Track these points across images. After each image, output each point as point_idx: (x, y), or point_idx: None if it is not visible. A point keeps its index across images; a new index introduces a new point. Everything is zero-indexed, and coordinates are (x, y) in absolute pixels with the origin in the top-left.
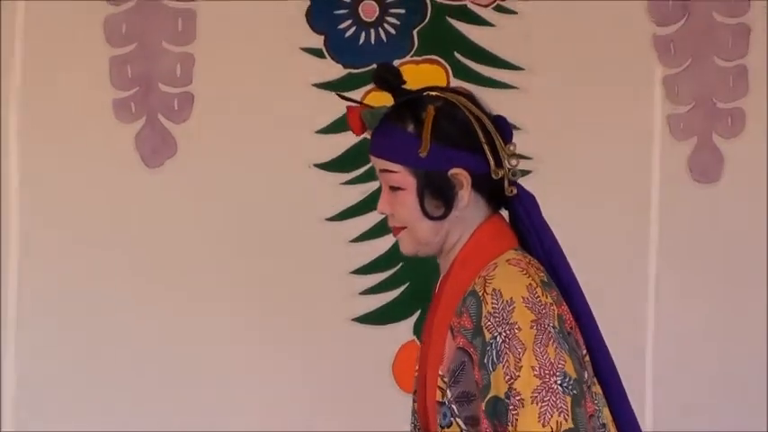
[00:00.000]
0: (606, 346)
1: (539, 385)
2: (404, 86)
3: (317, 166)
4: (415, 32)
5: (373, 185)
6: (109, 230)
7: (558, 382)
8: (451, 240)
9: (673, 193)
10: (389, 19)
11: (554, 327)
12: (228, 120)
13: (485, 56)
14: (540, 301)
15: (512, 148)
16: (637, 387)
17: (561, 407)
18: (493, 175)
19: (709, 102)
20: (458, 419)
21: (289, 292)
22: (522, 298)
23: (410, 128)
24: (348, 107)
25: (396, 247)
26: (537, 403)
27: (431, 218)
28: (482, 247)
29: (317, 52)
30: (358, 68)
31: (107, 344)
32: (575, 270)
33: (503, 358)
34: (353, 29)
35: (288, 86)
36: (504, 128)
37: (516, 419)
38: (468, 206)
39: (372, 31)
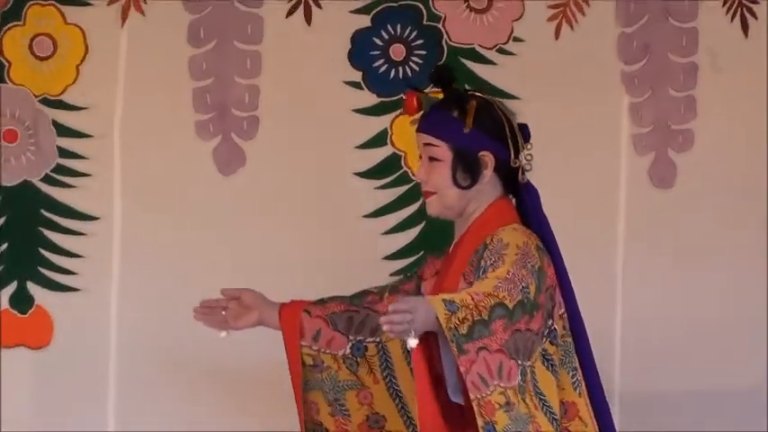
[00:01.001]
0: (587, 336)
1: (506, 278)
2: (454, 84)
3: (356, 174)
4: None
5: (400, 190)
6: (191, 230)
7: (520, 288)
8: (470, 209)
9: (636, 196)
10: (414, 58)
11: (533, 266)
12: (287, 137)
13: (488, 87)
14: (531, 251)
15: (528, 147)
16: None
17: (513, 295)
18: (511, 164)
19: (665, 124)
20: (526, 366)
21: (334, 275)
22: (517, 245)
23: (455, 114)
24: (408, 92)
25: (419, 236)
26: (500, 283)
27: (459, 187)
28: (497, 216)
29: (356, 85)
30: (389, 98)
31: (196, 344)
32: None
33: (488, 268)
34: (385, 66)
35: (333, 112)
36: (525, 131)
37: (482, 280)
38: (488, 184)
39: (401, 68)
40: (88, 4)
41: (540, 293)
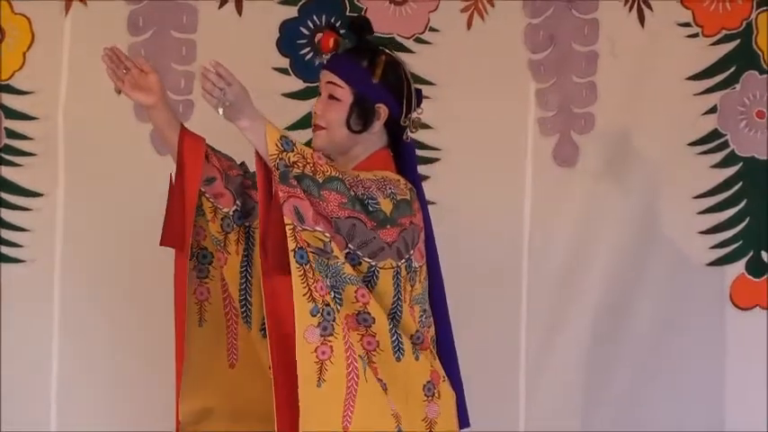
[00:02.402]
0: (444, 291)
1: (356, 178)
2: (368, 36)
3: None
4: None
5: None
6: (129, 206)
7: (365, 192)
8: (355, 152)
9: (541, 174)
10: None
11: (394, 193)
12: (219, 119)
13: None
14: (401, 186)
15: (419, 110)
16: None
17: (357, 189)
18: (402, 122)
19: (569, 108)
20: (364, 259)
21: None
22: (388, 176)
23: (364, 63)
24: (326, 32)
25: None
26: (347, 176)
27: (350, 129)
28: (379, 163)
29: (284, 71)
30: (314, 83)
31: (136, 312)
32: (462, 224)
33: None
34: (311, 54)
35: (263, 96)
36: (420, 97)
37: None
38: (376, 134)
39: (324, 56)
40: None
41: (400, 215)
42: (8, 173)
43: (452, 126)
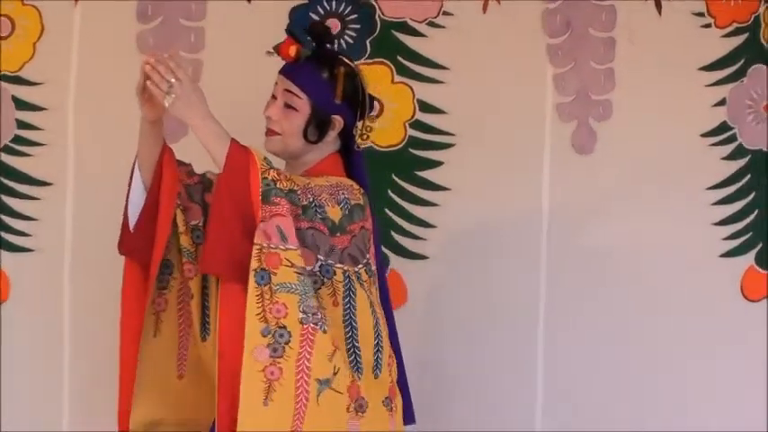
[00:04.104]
0: (388, 293)
1: (307, 184)
2: (329, 45)
3: None
4: (368, 42)
5: None
6: None
7: (313, 200)
8: (308, 158)
9: (560, 160)
10: (349, 32)
11: (347, 198)
12: (229, 106)
13: (420, 58)
14: (354, 191)
15: (373, 115)
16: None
17: (307, 196)
18: (354, 131)
19: (587, 94)
20: (336, 266)
21: None
22: (342, 182)
23: (325, 75)
24: (288, 39)
25: None
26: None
27: (306, 139)
28: (330, 167)
29: None
30: None
31: None
32: (477, 212)
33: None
34: None
35: (271, 83)
36: (372, 104)
37: None
38: (329, 142)
39: (336, 40)
40: None
41: (350, 222)
42: (19, 163)
43: (467, 111)
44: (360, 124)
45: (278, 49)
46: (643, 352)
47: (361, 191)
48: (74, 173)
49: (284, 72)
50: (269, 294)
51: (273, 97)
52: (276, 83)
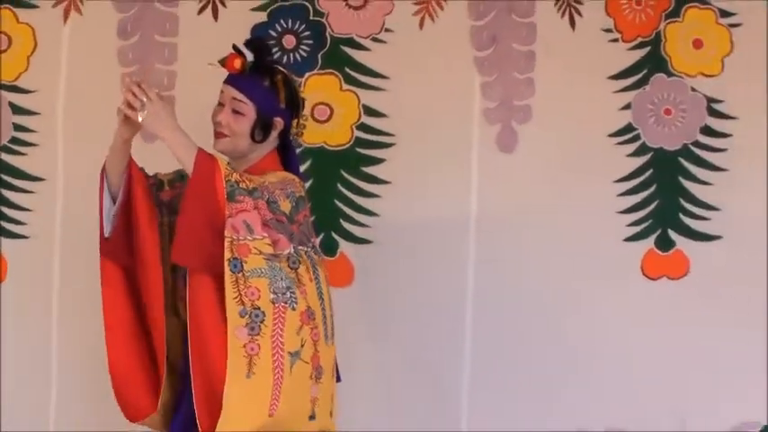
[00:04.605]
0: None
1: (263, 183)
2: (268, 58)
3: None
4: (319, 55)
5: None
6: None
7: (269, 198)
8: (252, 156)
9: (486, 158)
10: (302, 47)
11: (293, 192)
12: (200, 112)
13: (364, 69)
14: (296, 184)
15: (303, 117)
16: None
17: (264, 193)
18: (291, 130)
19: (510, 100)
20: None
21: None
22: (286, 177)
23: (266, 83)
24: (233, 54)
25: None
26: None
27: (253, 139)
28: (271, 163)
29: None
30: None
31: None
32: (420, 203)
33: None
34: (279, 53)
35: None
36: (304, 105)
37: None
38: (271, 141)
39: (291, 54)
40: (36, 7)
41: (297, 213)
42: (15, 160)
43: (405, 115)
44: (295, 123)
45: (224, 63)
46: (562, 327)
47: (302, 183)
48: (63, 170)
49: (230, 82)
50: (243, 280)
51: (220, 104)
52: (222, 91)
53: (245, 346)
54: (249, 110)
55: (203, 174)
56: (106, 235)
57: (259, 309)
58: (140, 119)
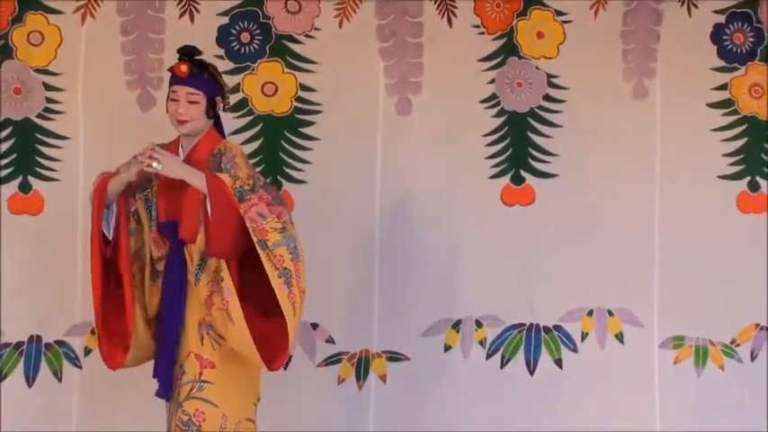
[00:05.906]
0: None
1: (248, 173)
2: (199, 57)
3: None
4: (267, 47)
5: (246, 119)
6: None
7: (254, 182)
8: (204, 130)
9: (388, 120)
10: (255, 41)
11: (252, 165)
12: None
13: (300, 57)
14: (242, 152)
15: (228, 94)
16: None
17: (251, 182)
18: (225, 106)
19: (405, 78)
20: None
21: None
22: (239, 152)
23: (206, 75)
24: (181, 61)
25: None
26: (247, 178)
27: (208, 117)
28: (214, 135)
29: (221, 57)
30: (240, 64)
31: None
32: (338, 154)
33: (230, 170)
34: (238, 46)
35: None
36: (226, 85)
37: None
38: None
39: (247, 47)
40: (62, 13)
41: (265, 187)
42: (47, 124)
43: (329, 90)
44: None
45: (174, 70)
46: (432, 244)
47: (237, 145)
48: (83, 131)
49: (181, 83)
50: (271, 253)
51: (174, 101)
52: (175, 91)
53: (288, 296)
54: (201, 98)
55: (215, 189)
56: (109, 237)
57: (287, 269)
58: (158, 169)
